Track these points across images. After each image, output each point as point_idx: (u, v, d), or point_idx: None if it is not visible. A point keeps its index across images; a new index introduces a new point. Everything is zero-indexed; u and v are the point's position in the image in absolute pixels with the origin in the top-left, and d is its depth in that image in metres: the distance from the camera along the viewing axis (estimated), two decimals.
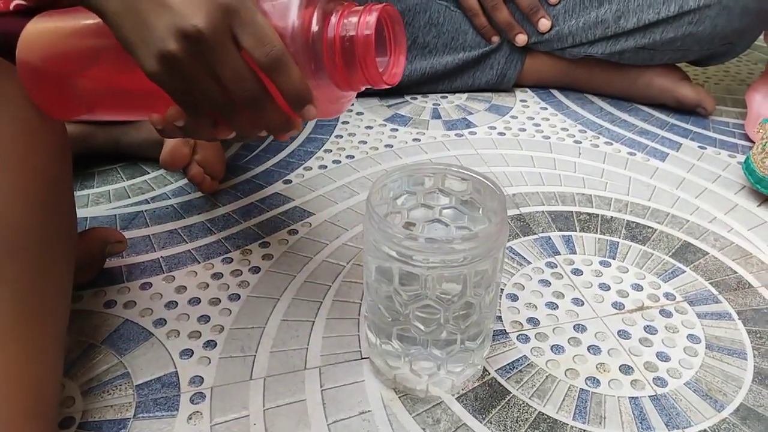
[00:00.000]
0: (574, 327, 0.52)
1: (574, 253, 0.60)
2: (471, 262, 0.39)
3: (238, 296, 0.54)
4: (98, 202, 0.66)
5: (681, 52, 0.82)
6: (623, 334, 0.52)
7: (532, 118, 0.84)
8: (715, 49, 0.82)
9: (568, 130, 0.82)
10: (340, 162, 0.74)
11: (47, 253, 0.40)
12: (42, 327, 0.38)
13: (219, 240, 0.61)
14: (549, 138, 0.80)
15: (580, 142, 0.79)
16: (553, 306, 0.54)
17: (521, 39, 0.85)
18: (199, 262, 0.58)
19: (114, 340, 0.50)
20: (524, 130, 0.82)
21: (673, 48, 0.81)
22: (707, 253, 0.61)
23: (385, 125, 0.82)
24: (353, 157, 0.75)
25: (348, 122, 0.83)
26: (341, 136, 0.79)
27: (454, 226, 0.43)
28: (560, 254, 0.60)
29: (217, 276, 0.57)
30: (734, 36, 0.80)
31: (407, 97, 0.89)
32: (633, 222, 0.64)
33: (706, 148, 0.78)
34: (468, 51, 0.87)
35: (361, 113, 0.85)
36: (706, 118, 0.85)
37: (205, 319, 0.52)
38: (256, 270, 0.57)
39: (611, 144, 0.78)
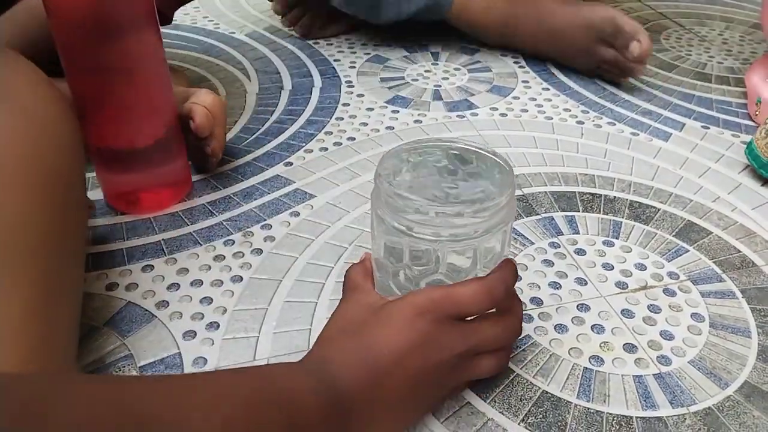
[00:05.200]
0: (577, 306, 0.52)
1: (578, 233, 0.60)
2: (481, 235, 0.39)
3: (241, 278, 0.54)
4: (97, 185, 0.66)
5: None
6: (627, 313, 0.51)
7: (534, 99, 0.84)
8: None
9: (570, 110, 0.81)
10: (341, 144, 0.73)
11: (60, 249, 0.40)
12: (56, 322, 0.38)
13: (220, 222, 0.61)
14: (551, 119, 0.79)
15: (583, 123, 0.78)
16: (556, 286, 0.54)
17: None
18: (201, 245, 0.58)
19: (117, 322, 0.50)
20: (526, 110, 0.81)
21: None
22: (711, 233, 0.60)
23: (386, 107, 0.81)
24: (354, 139, 0.74)
25: (348, 104, 0.82)
26: (342, 118, 0.79)
27: (462, 200, 0.43)
28: (563, 234, 0.60)
29: (219, 258, 0.56)
30: None
31: (408, 78, 0.89)
32: (636, 202, 0.64)
33: (709, 128, 0.78)
34: None
35: (362, 95, 0.84)
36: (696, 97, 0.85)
37: (207, 300, 0.52)
38: (258, 252, 0.57)
39: (614, 124, 0.78)
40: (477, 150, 0.44)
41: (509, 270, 0.40)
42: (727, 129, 0.78)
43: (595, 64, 0.85)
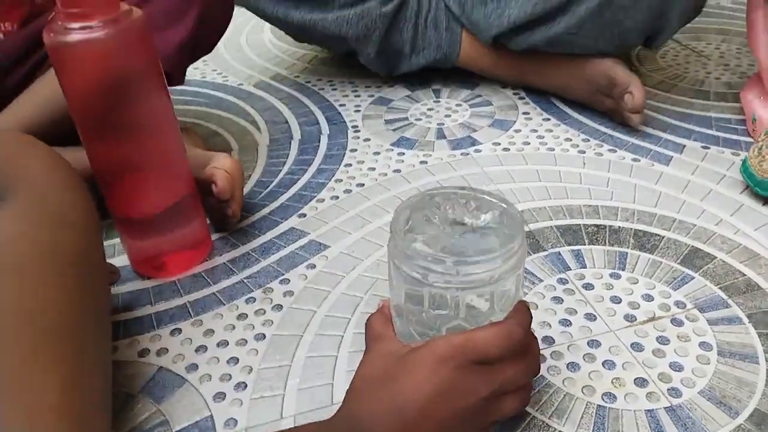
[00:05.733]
0: (588, 343, 0.54)
1: (585, 267, 0.62)
2: (497, 281, 0.41)
3: (264, 335, 0.57)
4: (122, 251, 0.69)
5: (616, 29, 0.82)
6: (636, 347, 0.53)
7: (536, 131, 0.86)
8: (647, 23, 0.82)
9: (571, 140, 0.83)
10: (351, 191, 0.76)
11: (88, 325, 0.43)
12: (91, 397, 0.41)
13: (241, 280, 0.64)
14: (553, 150, 0.81)
15: (584, 152, 0.80)
16: (566, 323, 0.56)
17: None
18: (224, 304, 0.61)
19: (150, 389, 0.53)
20: (528, 143, 0.83)
21: (604, 23, 0.81)
22: (715, 257, 0.62)
23: (392, 149, 0.84)
24: (363, 185, 0.77)
25: (356, 150, 0.85)
26: (350, 165, 0.82)
27: (474, 248, 0.45)
28: (571, 269, 0.62)
29: (242, 317, 0.59)
30: (656, 2, 0.80)
31: (411, 119, 0.92)
32: (641, 231, 0.66)
33: (709, 148, 0.79)
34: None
35: (368, 139, 0.87)
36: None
37: (234, 360, 0.55)
38: (278, 308, 0.60)
39: (615, 151, 0.80)
40: (486, 197, 0.46)
41: (525, 312, 0.43)
42: (727, 147, 0.79)
43: (601, 110, 0.88)
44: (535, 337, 0.45)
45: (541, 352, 0.53)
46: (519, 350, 0.41)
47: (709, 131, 0.83)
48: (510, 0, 0.85)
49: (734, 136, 0.81)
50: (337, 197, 0.75)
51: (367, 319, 0.48)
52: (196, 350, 0.56)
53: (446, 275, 0.41)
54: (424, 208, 0.46)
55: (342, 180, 0.79)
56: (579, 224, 0.68)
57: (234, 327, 0.58)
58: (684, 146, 0.80)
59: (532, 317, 0.43)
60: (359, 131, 0.89)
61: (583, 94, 0.88)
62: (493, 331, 0.40)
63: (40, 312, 0.41)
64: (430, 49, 0.94)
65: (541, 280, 0.61)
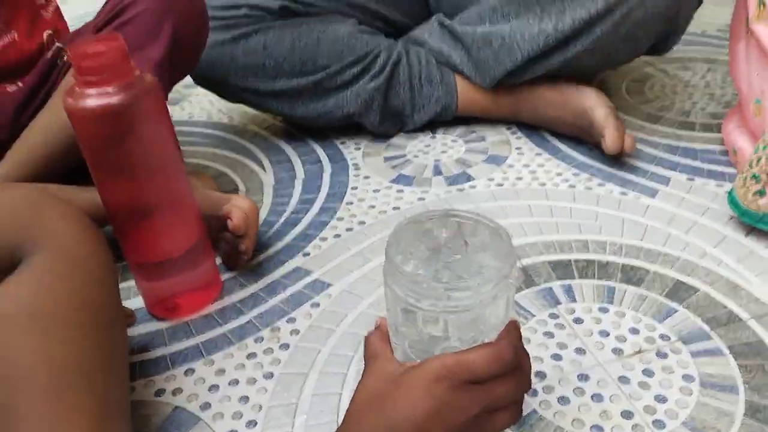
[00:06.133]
0: (577, 377, 0.57)
1: (575, 301, 0.66)
2: (487, 305, 0.43)
3: (272, 374, 0.60)
4: (138, 293, 0.73)
5: (631, 42, 0.86)
6: (623, 380, 0.56)
7: (528, 165, 0.90)
8: (659, 30, 0.86)
9: (562, 174, 0.87)
10: (352, 229, 0.80)
11: (109, 370, 0.47)
12: None
13: (250, 320, 0.67)
14: (545, 185, 0.85)
15: (575, 186, 0.84)
16: (557, 357, 0.59)
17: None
18: (234, 344, 0.64)
19: (167, 428, 0.56)
20: (521, 179, 0.87)
21: (618, 39, 0.85)
22: (699, 290, 0.65)
23: (391, 186, 0.88)
24: (364, 222, 0.81)
25: (357, 187, 0.89)
26: (351, 203, 0.85)
27: (466, 269, 0.46)
28: (561, 304, 0.65)
29: (251, 356, 0.63)
30: (670, 11, 0.84)
31: (410, 155, 0.96)
32: (628, 265, 0.69)
33: (694, 179, 0.83)
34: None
35: (368, 176, 0.91)
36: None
37: (244, 399, 0.58)
38: (285, 346, 0.63)
39: (604, 185, 0.84)
40: (476, 219, 0.47)
41: (515, 333, 0.44)
42: (711, 179, 0.83)
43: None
44: (527, 353, 0.46)
45: (534, 386, 0.56)
46: (510, 369, 0.43)
47: (695, 162, 0.87)
48: (515, 35, 0.88)
49: (719, 168, 0.85)
50: (339, 235, 0.79)
51: (365, 337, 0.50)
52: (209, 389, 0.60)
53: (438, 300, 0.43)
54: (416, 231, 0.48)
55: (343, 218, 0.82)
56: (569, 259, 0.71)
57: (244, 366, 0.62)
58: (670, 178, 0.84)
59: (521, 337, 0.45)
60: (360, 169, 0.93)
61: (572, 129, 0.92)
62: (484, 351, 0.42)
63: (65, 362, 0.45)
64: (430, 105, 0.98)
65: (533, 315, 0.64)
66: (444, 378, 0.41)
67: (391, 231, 0.47)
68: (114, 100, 0.55)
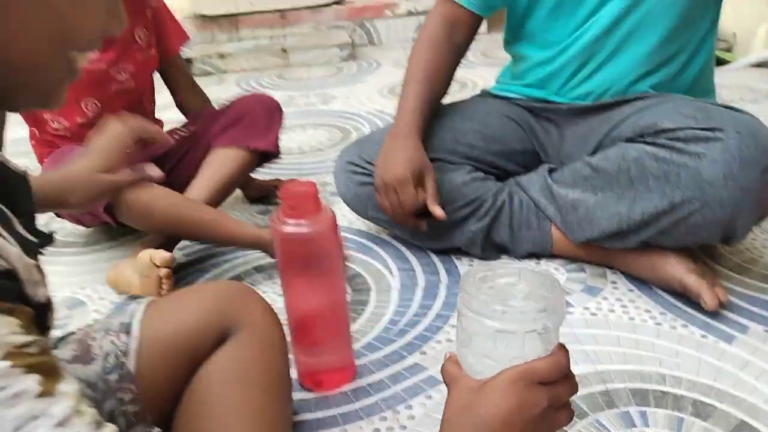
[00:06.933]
0: None
1: (648, 426, 0.78)
2: (552, 329, 0.52)
3: None
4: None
5: (694, 237, 0.97)
6: None
7: (621, 300, 1.04)
8: (718, 233, 0.95)
9: (651, 312, 1.00)
10: None
11: (286, 421, 0.65)
12: None
13: (377, 401, 0.85)
14: (633, 319, 0.98)
15: (660, 324, 0.97)
16: None
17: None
18: (363, 419, 0.82)
19: None
20: (613, 311, 1.01)
21: (681, 234, 0.96)
22: (760, 431, 0.76)
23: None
24: None
25: None
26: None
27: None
28: (636, 427, 0.78)
29: (376, 431, 0.80)
30: (728, 219, 0.92)
31: None
32: (699, 400, 0.81)
33: None
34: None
35: None
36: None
37: None
38: (403, 428, 0.80)
39: (687, 326, 0.96)
40: (538, 274, 0.57)
41: (565, 349, 0.55)
42: None
43: None
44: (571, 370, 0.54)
45: None
46: (565, 374, 0.53)
47: None
48: (597, 209, 1.04)
49: None
50: (451, 340, 0.96)
51: (442, 368, 0.56)
52: None
53: (513, 323, 0.50)
54: (489, 278, 0.55)
55: (455, 325, 0.99)
56: (648, 389, 0.84)
57: None
58: (748, 328, 0.95)
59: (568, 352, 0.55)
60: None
61: (662, 286, 1.05)
62: (548, 359, 0.52)
63: (260, 412, 0.64)
64: (527, 245, 1.15)
65: None
66: (519, 380, 0.51)
67: (467, 280, 0.54)
68: (305, 230, 0.76)
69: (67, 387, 0.34)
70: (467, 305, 0.52)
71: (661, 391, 0.83)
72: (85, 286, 1.21)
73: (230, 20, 3.05)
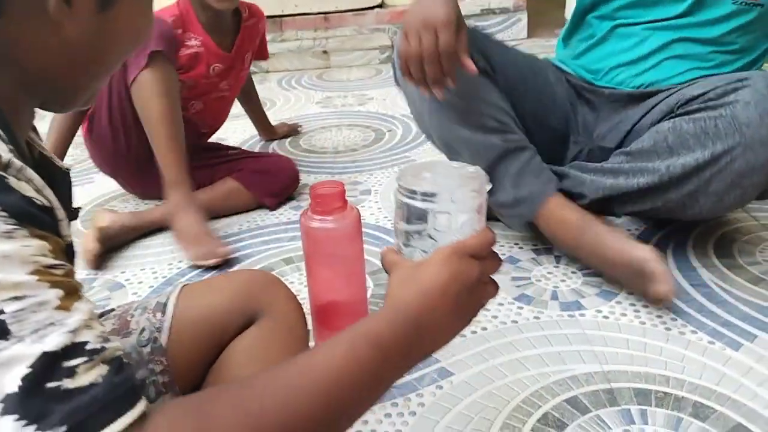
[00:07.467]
0: None
1: (646, 424, 0.81)
2: (481, 211, 0.58)
3: None
4: None
5: (738, 189, 0.99)
6: None
7: (634, 305, 1.07)
8: (763, 181, 0.98)
9: (662, 317, 1.03)
10: (476, 332, 1.01)
11: None
12: None
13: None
14: (644, 324, 1.01)
15: (670, 330, 0.99)
16: None
17: None
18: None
19: None
20: (625, 315, 1.04)
21: (726, 186, 0.99)
22: None
23: (514, 303, 1.09)
24: (486, 329, 1.02)
25: None
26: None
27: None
28: (635, 424, 0.81)
29: (387, 415, 0.85)
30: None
31: (533, 279, 1.16)
32: (699, 402, 0.84)
33: None
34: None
35: None
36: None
37: None
38: (413, 414, 0.85)
39: (696, 333, 0.98)
40: (463, 165, 0.61)
41: (491, 230, 0.59)
42: None
43: None
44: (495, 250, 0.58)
45: None
46: (491, 251, 0.58)
47: None
48: (635, 172, 1.07)
49: None
50: (465, 336, 1.01)
51: (381, 257, 0.60)
52: None
53: (448, 203, 0.55)
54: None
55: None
56: (651, 389, 0.87)
57: (381, 421, 0.84)
58: (756, 336, 0.97)
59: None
60: None
61: (620, 265, 1.06)
62: (478, 237, 0.58)
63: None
64: (523, 191, 1.15)
65: (610, 428, 0.81)
66: (453, 254, 0.56)
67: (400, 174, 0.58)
68: (331, 225, 0.83)
69: (83, 305, 0.41)
70: (397, 190, 0.57)
71: (663, 392, 0.86)
72: (126, 270, 1.30)
73: (275, 21, 3.15)
